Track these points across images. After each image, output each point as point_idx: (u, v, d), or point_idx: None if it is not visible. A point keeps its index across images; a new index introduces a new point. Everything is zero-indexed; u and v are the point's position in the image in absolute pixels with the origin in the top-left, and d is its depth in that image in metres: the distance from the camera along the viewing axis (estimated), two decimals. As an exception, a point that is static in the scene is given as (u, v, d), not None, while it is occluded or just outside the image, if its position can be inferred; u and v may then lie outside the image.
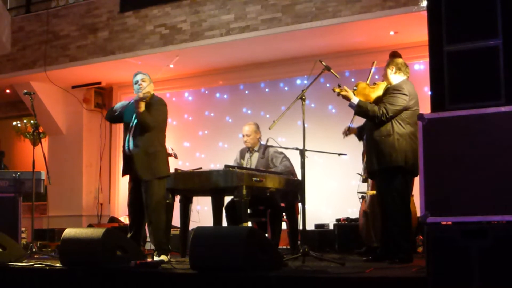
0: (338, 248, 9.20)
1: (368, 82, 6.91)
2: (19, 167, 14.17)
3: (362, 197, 8.42)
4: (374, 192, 7.66)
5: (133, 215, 7.21)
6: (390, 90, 6.65)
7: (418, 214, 7.63)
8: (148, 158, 6.98)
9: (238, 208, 7.24)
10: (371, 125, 6.69)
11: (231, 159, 8.71)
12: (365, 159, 7.79)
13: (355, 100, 6.59)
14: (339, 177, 10.45)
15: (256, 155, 8.40)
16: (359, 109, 6.59)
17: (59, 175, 12.36)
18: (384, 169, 6.56)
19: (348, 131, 7.28)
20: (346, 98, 6.63)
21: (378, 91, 6.76)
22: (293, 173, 8.37)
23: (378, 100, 6.69)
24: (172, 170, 7.81)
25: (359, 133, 7.26)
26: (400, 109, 6.52)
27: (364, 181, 8.41)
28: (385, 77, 6.84)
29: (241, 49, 10.99)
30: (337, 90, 6.61)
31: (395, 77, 6.76)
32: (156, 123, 7.01)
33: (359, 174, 8.50)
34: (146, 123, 6.96)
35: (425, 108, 4.88)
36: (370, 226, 8.00)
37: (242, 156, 8.55)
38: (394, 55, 6.96)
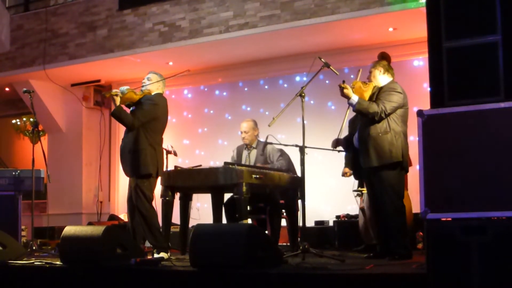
0: (338, 245, 9.21)
1: (358, 79, 6.98)
2: (18, 165, 14.21)
3: (358, 195, 8.40)
4: None
5: (129, 211, 7.24)
6: (385, 89, 6.82)
7: (413, 210, 7.70)
8: (130, 156, 7.01)
9: (238, 205, 7.24)
10: (366, 122, 6.79)
11: (230, 157, 8.70)
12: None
13: (355, 98, 6.68)
14: (338, 174, 10.36)
15: (254, 152, 8.40)
16: (360, 107, 6.67)
17: (58, 173, 12.37)
18: (383, 166, 6.63)
19: (336, 143, 7.35)
20: (347, 96, 6.68)
21: (369, 91, 6.91)
22: (292, 170, 8.37)
23: (369, 99, 6.84)
24: (171, 167, 7.82)
25: (346, 144, 7.33)
26: (396, 107, 6.70)
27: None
28: (373, 78, 6.98)
29: (240, 46, 10.99)
30: (343, 86, 6.65)
31: (383, 78, 6.94)
32: (134, 121, 6.96)
33: (356, 191, 8.46)
34: (117, 118, 7.00)
35: (425, 104, 4.88)
36: (368, 224, 8.00)
37: (239, 153, 8.53)
38: (383, 56, 7.13)
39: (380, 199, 6.71)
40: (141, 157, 6.93)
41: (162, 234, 7.18)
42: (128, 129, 7.09)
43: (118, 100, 6.91)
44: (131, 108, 7.23)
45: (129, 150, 7.00)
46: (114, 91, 6.96)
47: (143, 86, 7.27)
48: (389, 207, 6.61)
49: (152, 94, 7.22)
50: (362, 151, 6.82)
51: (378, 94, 6.82)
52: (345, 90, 6.66)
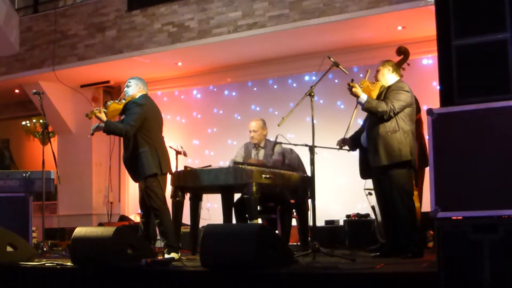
0: (349, 244, 9.19)
1: (366, 78, 6.99)
2: (29, 166, 14.26)
3: (369, 193, 8.35)
4: None
5: (142, 213, 7.27)
6: (393, 88, 6.85)
7: (422, 209, 7.69)
8: (132, 161, 7.03)
9: (248, 205, 7.23)
10: (374, 121, 6.81)
11: (236, 151, 8.67)
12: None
13: (364, 97, 6.72)
14: (348, 173, 10.37)
15: (262, 152, 8.37)
16: (369, 105, 6.71)
17: (69, 174, 12.39)
18: (393, 165, 6.66)
19: (342, 143, 7.31)
20: (356, 94, 6.72)
21: (376, 91, 6.95)
22: (302, 169, 8.36)
23: (377, 99, 6.86)
24: (181, 168, 7.83)
25: (353, 143, 7.29)
26: (405, 105, 6.73)
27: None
28: (381, 76, 7.00)
29: (249, 46, 10.99)
30: (352, 84, 6.68)
31: (391, 77, 6.98)
32: (128, 128, 6.92)
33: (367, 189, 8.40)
34: (113, 132, 7.02)
35: (434, 103, 4.86)
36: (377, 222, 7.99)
37: (247, 151, 8.50)
38: (401, 51, 7.18)
39: (390, 197, 6.72)
40: (142, 159, 6.94)
41: (174, 234, 7.19)
42: (125, 139, 7.08)
43: (103, 116, 6.90)
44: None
45: (130, 156, 7.02)
46: (95, 109, 6.94)
47: (125, 95, 7.28)
48: (400, 206, 6.63)
49: (136, 97, 7.21)
50: (371, 150, 6.83)
51: (386, 93, 6.85)
52: (353, 89, 6.71)
